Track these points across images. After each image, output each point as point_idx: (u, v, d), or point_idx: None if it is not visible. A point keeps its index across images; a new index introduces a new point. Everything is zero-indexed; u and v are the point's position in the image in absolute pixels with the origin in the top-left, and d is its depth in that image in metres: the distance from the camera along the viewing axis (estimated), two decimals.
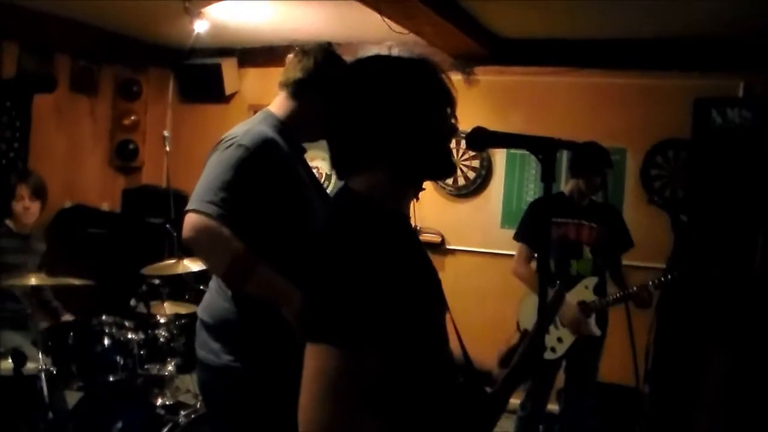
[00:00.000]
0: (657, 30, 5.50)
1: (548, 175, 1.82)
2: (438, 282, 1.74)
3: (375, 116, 1.62)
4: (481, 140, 1.78)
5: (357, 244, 1.49)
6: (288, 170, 2.67)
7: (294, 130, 2.75)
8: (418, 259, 1.70)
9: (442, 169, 1.73)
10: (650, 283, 4.22)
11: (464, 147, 6.20)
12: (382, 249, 1.51)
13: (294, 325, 2.46)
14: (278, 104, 2.79)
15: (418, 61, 1.71)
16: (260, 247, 2.54)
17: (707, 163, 5.29)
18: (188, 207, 2.54)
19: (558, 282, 4.16)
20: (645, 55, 5.83)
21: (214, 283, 2.71)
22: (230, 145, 2.56)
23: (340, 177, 1.71)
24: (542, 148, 1.77)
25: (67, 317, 4.76)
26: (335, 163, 1.70)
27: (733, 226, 5.09)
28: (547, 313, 1.88)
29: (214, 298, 2.68)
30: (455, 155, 6.20)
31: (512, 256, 4.83)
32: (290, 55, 2.81)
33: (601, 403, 4.92)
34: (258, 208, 2.57)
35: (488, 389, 1.85)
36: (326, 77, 2.70)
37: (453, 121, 1.73)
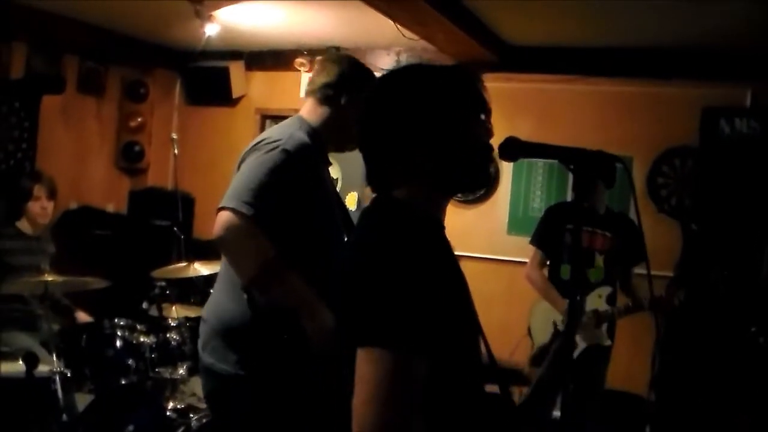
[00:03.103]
0: (664, 39, 5.52)
1: (580, 186, 1.84)
2: (468, 290, 1.74)
3: (416, 132, 1.62)
4: (514, 150, 1.79)
5: (406, 250, 1.49)
6: (319, 180, 2.67)
7: (323, 138, 2.73)
8: (455, 265, 1.72)
9: (480, 180, 1.74)
10: (680, 292, 4.22)
11: None
12: (429, 255, 1.53)
13: (313, 337, 2.42)
14: (308, 110, 2.78)
15: (457, 69, 1.71)
16: (287, 252, 2.51)
17: (715, 173, 5.31)
18: (223, 204, 2.49)
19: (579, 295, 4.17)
20: (652, 64, 5.84)
21: (224, 285, 2.65)
22: (274, 149, 2.53)
23: (376, 191, 1.71)
24: (574, 159, 1.78)
25: (81, 314, 4.77)
26: (372, 179, 1.70)
27: (740, 236, 5.11)
28: (576, 314, 1.89)
29: (224, 301, 2.63)
30: None
31: (519, 262, 4.85)
32: (317, 61, 2.84)
33: (606, 410, 4.93)
34: (289, 214, 2.54)
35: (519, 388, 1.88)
36: (353, 82, 2.72)
37: (489, 128, 1.73)
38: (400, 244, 1.51)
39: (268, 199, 2.48)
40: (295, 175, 2.53)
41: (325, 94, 2.74)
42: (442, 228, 1.73)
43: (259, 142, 2.60)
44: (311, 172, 2.61)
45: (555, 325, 4.27)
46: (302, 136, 2.62)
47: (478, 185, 1.76)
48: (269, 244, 2.48)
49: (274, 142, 2.55)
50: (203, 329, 2.66)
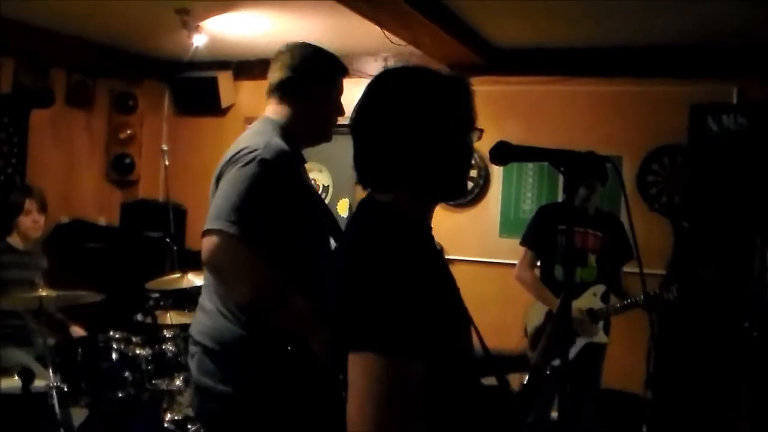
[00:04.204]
0: (651, 38, 5.55)
1: (570, 187, 1.86)
2: (458, 290, 1.75)
3: (410, 133, 1.62)
4: (505, 154, 1.81)
5: (395, 253, 1.50)
6: (302, 183, 2.58)
7: (294, 136, 2.62)
8: (445, 268, 1.73)
9: (460, 191, 1.74)
10: (673, 287, 4.25)
11: None
12: (418, 257, 1.54)
13: (320, 354, 2.29)
14: (273, 110, 2.65)
15: (460, 81, 1.71)
16: (279, 263, 2.42)
17: (704, 170, 5.34)
18: (209, 226, 2.37)
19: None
20: (639, 63, 5.88)
21: (216, 305, 2.51)
22: (252, 160, 2.41)
23: (365, 187, 1.72)
24: (564, 160, 1.80)
25: (76, 328, 4.76)
26: (361, 174, 1.71)
27: (731, 231, 5.13)
28: (568, 310, 1.90)
29: (219, 321, 2.48)
30: None
31: (511, 264, 4.86)
32: (272, 59, 2.69)
33: (603, 409, 4.95)
34: (278, 224, 2.44)
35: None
36: (312, 69, 2.62)
37: (473, 147, 1.75)
38: (388, 248, 1.51)
39: (255, 214, 2.37)
40: (278, 184, 2.43)
41: (286, 89, 2.63)
42: (429, 230, 1.73)
43: (235, 154, 2.47)
44: (293, 176, 2.51)
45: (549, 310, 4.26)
46: (278, 141, 2.50)
47: (457, 196, 1.75)
48: (262, 263, 2.38)
49: (252, 152, 2.43)
50: (195, 351, 2.53)
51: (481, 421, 1.68)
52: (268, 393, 2.43)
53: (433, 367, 1.48)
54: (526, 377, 1.93)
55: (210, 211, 2.42)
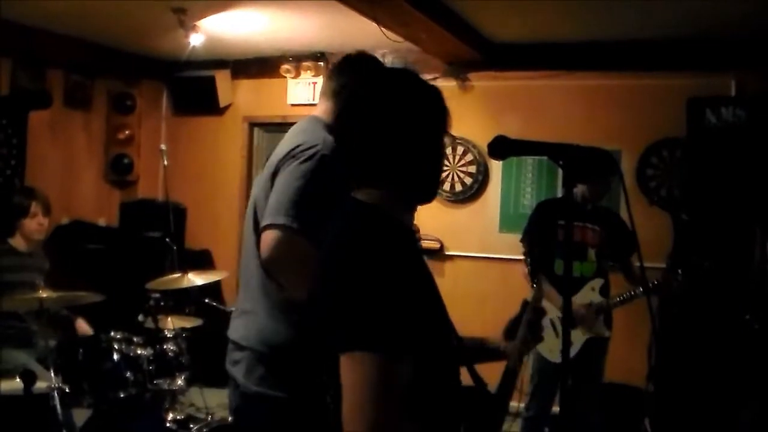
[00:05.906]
0: (649, 31, 5.55)
1: (569, 181, 1.85)
2: (435, 284, 1.77)
3: (399, 140, 1.66)
4: (503, 148, 1.81)
5: (385, 255, 1.53)
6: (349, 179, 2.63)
7: None
8: (423, 264, 1.76)
9: (432, 191, 1.77)
10: (678, 271, 4.26)
11: (460, 153, 6.31)
12: (404, 258, 1.57)
13: None
14: (325, 110, 2.64)
15: (439, 92, 1.75)
16: None
17: (703, 162, 5.34)
18: (269, 221, 2.36)
19: (536, 281, 4.22)
20: (637, 56, 5.88)
21: (265, 307, 2.47)
22: (313, 155, 2.42)
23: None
24: (563, 154, 1.80)
25: (81, 323, 4.76)
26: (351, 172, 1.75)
27: (730, 222, 5.14)
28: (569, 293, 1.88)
29: (269, 324, 2.45)
30: (453, 161, 6.26)
31: (511, 260, 4.86)
32: (336, 62, 2.73)
33: (605, 402, 4.95)
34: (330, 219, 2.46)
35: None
36: (371, 84, 2.65)
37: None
38: (376, 250, 1.54)
39: (315, 209, 2.32)
40: (336, 180, 2.30)
41: (338, 96, 2.58)
42: (411, 230, 1.78)
43: (293, 149, 2.46)
44: (344, 173, 2.56)
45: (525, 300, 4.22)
46: (332, 139, 2.42)
47: (427, 194, 1.77)
48: None
49: (311, 148, 2.43)
50: (242, 357, 2.48)
51: (463, 414, 1.71)
52: (323, 397, 2.38)
53: (419, 365, 1.50)
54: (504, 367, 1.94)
55: (269, 207, 2.40)
